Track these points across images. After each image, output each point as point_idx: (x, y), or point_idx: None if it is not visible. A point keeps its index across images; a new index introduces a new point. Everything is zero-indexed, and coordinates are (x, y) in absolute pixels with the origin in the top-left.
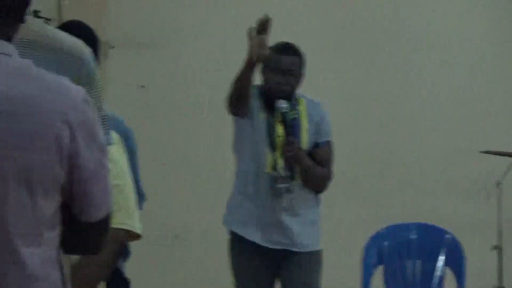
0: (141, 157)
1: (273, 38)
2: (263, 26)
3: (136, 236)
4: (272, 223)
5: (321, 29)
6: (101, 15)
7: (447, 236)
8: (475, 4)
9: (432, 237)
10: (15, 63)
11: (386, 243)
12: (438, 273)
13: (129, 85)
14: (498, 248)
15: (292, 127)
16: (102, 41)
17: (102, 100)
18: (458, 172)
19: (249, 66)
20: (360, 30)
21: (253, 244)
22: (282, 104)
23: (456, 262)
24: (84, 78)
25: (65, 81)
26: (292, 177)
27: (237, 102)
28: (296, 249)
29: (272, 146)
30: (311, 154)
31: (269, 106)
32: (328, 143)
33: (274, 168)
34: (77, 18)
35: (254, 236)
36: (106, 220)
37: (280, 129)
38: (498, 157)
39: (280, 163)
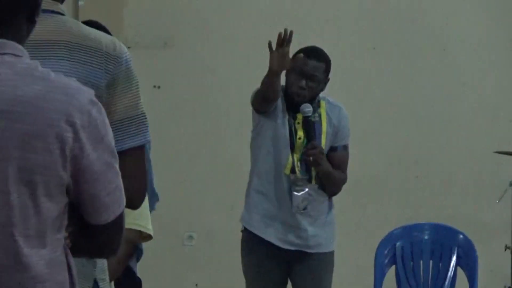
0: (155, 157)
1: (299, 41)
2: (283, 40)
3: (148, 237)
4: (289, 224)
5: (357, 30)
6: (117, 15)
7: (459, 236)
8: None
9: (444, 237)
10: (22, 63)
11: (398, 243)
12: (450, 273)
13: (144, 85)
14: (511, 249)
15: (312, 131)
16: None
17: (140, 98)
18: (471, 172)
19: (271, 76)
20: (395, 32)
21: (268, 243)
22: (306, 108)
23: (469, 263)
24: (122, 77)
25: (73, 82)
26: (309, 180)
27: (264, 102)
28: (310, 250)
29: (292, 148)
30: (327, 157)
31: (291, 107)
32: (345, 147)
33: (293, 170)
34: (93, 18)
35: (271, 236)
36: (117, 223)
37: (300, 132)
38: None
39: (298, 165)
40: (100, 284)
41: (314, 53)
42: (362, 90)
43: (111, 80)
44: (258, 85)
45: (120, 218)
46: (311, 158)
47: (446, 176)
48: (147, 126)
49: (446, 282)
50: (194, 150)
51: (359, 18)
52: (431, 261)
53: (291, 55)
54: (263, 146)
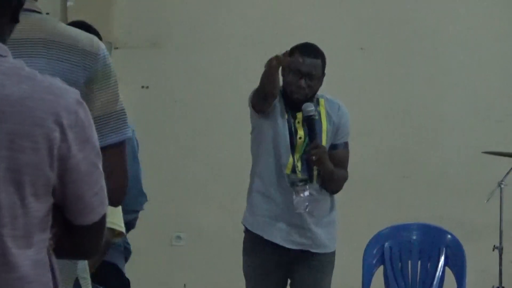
0: (143, 157)
1: (287, 41)
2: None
3: (120, 234)
4: (293, 224)
5: (345, 30)
6: (105, 16)
7: (448, 236)
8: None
9: (433, 237)
10: (8, 63)
11: (387, 243)
12: (438, 273)
13: (132, 85)
14: (499, 249)
15: (315, 130)
16: (106, 42)
17: (119, 94)
18: (460, 172)
19: (270, 70)
20: (383, 32)
21: (271, 244)
22: (309, 107)
23: (457, 263)
24: (100, 74)
25: (58, 82)
26: (310, 180)
27: (263, 99)
28: (314, 250)
29: (292, 147)
30: (328, 155)
31: (290, 107)
32: (346, 145)
33: (293, 170)
34: (81, 19)
35: (275, 236)
36: (100, 223)
37: (301, 131)
38: (500, 157)
39: (299, 165)
40: (82, 282)
41: (310, 50)
42: (351, 90)
43: (89, 77)
44: (246, 85)
45: (104, 219)
46: (314, 157)
47: (435, 176)
48: (126, 122)
49: (435, 282)
50: (182, 151)
51: (348, 18)
52: (419, 261)
53: (283, 50)
54: (263, 147)
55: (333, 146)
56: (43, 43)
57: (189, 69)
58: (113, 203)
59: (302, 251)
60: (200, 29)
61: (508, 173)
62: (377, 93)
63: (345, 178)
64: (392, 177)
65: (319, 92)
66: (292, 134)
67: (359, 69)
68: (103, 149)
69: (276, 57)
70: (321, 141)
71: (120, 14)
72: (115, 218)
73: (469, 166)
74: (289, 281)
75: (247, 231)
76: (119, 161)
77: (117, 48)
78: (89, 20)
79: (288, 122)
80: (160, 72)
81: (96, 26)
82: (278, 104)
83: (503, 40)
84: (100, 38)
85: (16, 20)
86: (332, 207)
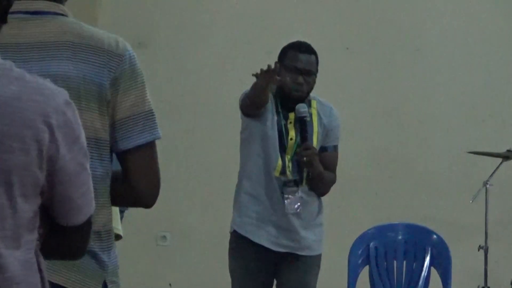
0: None
1: (272, 41)
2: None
3: (118, 236)
4: (281, 226)
5: (331, 30)
6: (91, 15)
7: (433, 236)
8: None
9: (418, 237)
10: None
11: (372, 243)
12: (424, 273)
13: None
14: (485, 249)
15: (307, 131)
16: None
17: (147, 94)
18: (445, 172)
19: (259, 87)
20: (369, 32)
21: (258, 246)
22: (302, 109)
23: (442, 263)
24: (127, 75)
25: (48, 83)
26: (300, 181)
27: (252, 107)
28: (300, 253)
29: (283, 148)
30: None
31: (284, 107)
32: (335, 148)
33: (283, 171)
34: None
35: (262, 239)
36: (87, 224)
37: (292, 132)
38: (485, 157)
39: (290, 166)
40: (110, 286)
41: (304, 47)
42: (335, 90)
43: (114, 79)
44: (233, 85)
45: (90, 220)
46: (305, 159)
47: (420, 176)
48: (155, 123)
49: (420, 282)
50: (168, 150)
51: (333, 18)
52: (404, 261)
53: (269, 50)
54: (252, 148)
55: (323, 149)
56: (69, 46)
57: (175, 69)
58: (146, 204)
59: (288, 253)
60: (186, 29)
61: (493, 173)
62: (363, 93)
63: (333, 181)
64: (377, 177)
65: (313, 94)
66: (283, 134)
67: (345, 69)
68: (133, 150)
69: (267, 72)
70: (312, 143)
71: (105, 13)
72: (114, 221)
73: (455, 166)
74: (275, 282)
75: (234, 232)
76: (150, 161)
77: None
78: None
79: (279, 122)
80: (146, 72)
81: None
82: (269, 104)
83: (487, 40)
84: None
85: (4, 21)
86: (319, 210)
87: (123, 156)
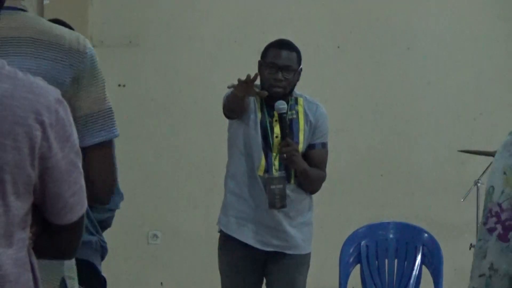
0: (119, 156)
1: (264, 40)
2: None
3: None
4: (267, 225)
5: (322, 29)
6: (82, 14)
7: (424, 235)
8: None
9: (409, 236)
10: None
11: (363, 242)
12: (415, 272)
13: (108, 84)
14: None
15: (289, 128)
16: None
17: (106, 92)
18: (436, 171)
19: (236, 98)
20: (360, 30)
21: (245, 245)
22: (281, 105)
23: (434, 261)
24: (87, 72)
25: (39, 81)
26: (287, 179)
27: (231, 113)
28: (288, 252)
29: (268, 146)
30: (305, 155)
31: (268, 105)
32: (323, 145)
33: (267, 170)
34: (58, 17)
35: (248, 237)
36: (79, 223)
37: (277, 129)
38: (476, 156)
39: (276, 164)
40: (68, 282)
41: (284, 44)
42: (327, 89)
43: (75, 76)
44: (222, 84)
45: (82, 219)
46: (285, 155)
47: (411, 174)
48: (113, 121)
49: (411, 281)
50: (158, 149)
51: (324, 16)
52: (396, 260)
53: (259, 49)
54: (235, 148)
55: (310, 146)
56: (30, 41)
57: (165, 68)
58: (101, 201)
59: (276, 252)
60: (176, 27)
61: (484, 171)
62: (354, 92)
63: (321, 178)
64: (368, 176)
65: (299, 91)
66: (268, 132)
67: (336, 68)
68: (92, 147)
69: (245, 83)
70: (297, 140)
71: (96, 12)
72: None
73: (446, 165)
74: (264, 280)
75: (221, 231)
76: (107, 159)
77: (93, 46)
78: (65, 18)
79: (263, 121)
80: (136, 70)
81: (72, 24)
82: (252, 103)
83: (478, 39)
84: None
85: None
86: (309, 208)
87: (82, 153)
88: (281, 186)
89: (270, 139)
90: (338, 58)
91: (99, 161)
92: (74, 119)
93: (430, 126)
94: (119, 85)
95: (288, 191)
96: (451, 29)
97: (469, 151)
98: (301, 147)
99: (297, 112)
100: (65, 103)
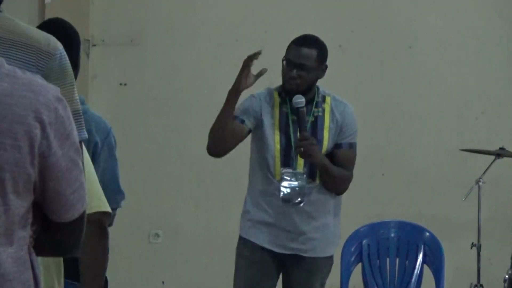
0: (121, 154)
1: (266, 39)
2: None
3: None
4: (283, 228)
5: (323, 28)
6: (83, 13)
7: (426, 234)
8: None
9: (411, 235)
10: None
11: (365, 241)
12: (416, 271)
13: (110, 83)
14: (477, 246)
15: (304, 122)
16: (84, 39)
17: (75, 94)
18: (437, 170)
19: (232, 94)
20: (361, 29)
21: (264, 249)
22: (298, 99)
23: (435, 260)
24: (54, 73)
25: (38, 79)
26: (312, 177)
27: (218, 145)
28: (306, 255)
29: (289, 143)
30: (332, 154)
31: (290, 101)
32: (350, 145)
33: (285, 165)
34: (59, 17)
35: (264, 241)
36: (80, 220)
37: None
38: (478, 155)
39: (300, 160)
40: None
41: (304, 41)
42: (328, 88)
43: (43, 77)
44: (224, 83)
45: (83, 216)
46: (302, 149)
47: (413, 173)
48: (81, 123)
49: (413, 280)
50: (160, 148)
51: (325, 16)
52: (397, 259)
53: (261, 47)
54: (253, 156)
55: (337, 145)
56: None
57: (167, 67)
58: None
59: (293, 255)
60: (177, 26)
61: (486, 170)
62: (355, 91)
63: (346, 178)
64: (370, 175)
65: (328, 91)
66: (290, 130)
67: (337, 67)
68: None
69: (240, 76)
70: (321, 137)
71: (97, 11)
72: (100, 201)
73: (447, 164)
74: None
75: (240, 237)
76: None
77: (94, 45)
78: (66, 18)
79: (281, 119)
80: (138, 69)
81: (73, 23)
82: (267, 112)
83: (478, 38)
84: (77, 35)
85: None
86: (334, 210)
87: None
88: (295, 182)
89: (293, 136)
90: (340, 57)
91: None
92: None
93: (431, 125)
94: (121, 84)
95: (313, 191)
96: (453, 28)
97: (471, 150)
98: (325, 144)
99: (323, 110)
100: (65, 101)
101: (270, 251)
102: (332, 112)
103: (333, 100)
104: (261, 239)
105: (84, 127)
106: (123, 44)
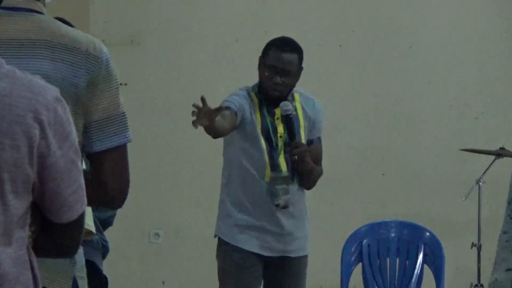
0: None
1: (266, 39)
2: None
3: (90, 233)
4: (271, 231)
5: (324, 28)
6: (83, 12)
7: (426, 234)
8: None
9: (411, 235)
10: None
11: (365, 241)
12: (417, 271)
13: None
14: (478, 246)
15: (294, 128)
16: None
17: (120, 98)
18: (438, 170)
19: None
20: (361, 29)
21: (253, 254)
22: (286, 107)
23: (435, 260)
24: (103, 77)
25: (38, 80)
26: (292, 178)
27: (216, 135)
28: (292, 255)
29: (272, 147)
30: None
31: (268, 103)
32: (319, 139)
33: (274, 168)
34: (59, 16)
35: (253, 246)
36: (79, 222)
37: (280, 128)
38: (478, 155)
39: (283, 164)
40: (79, 282)
41: (286, 46)
42: (329, 87)
43: (91, 80)
44: (224, 83)
45: (82, 217)
46: (295, 157)
47: (413, 173)
48: (127, 126)
49: (413, 280)
50: (160, 148)
51: (325, 15)
52: (397, 259)
53: (261, 47)
54: (234, 154)
55: (309, 142)
56: (47, 44)
57: (167, 67)
58: (115, 205)
59: (280, 257)
60: (178, 26)
61: (486, 170)
62: (355, 90)
63: (320, 174)
64: (370, 175)
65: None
66: (271, 133)
67: (338, 67)
68: (105, 152)
69: (199, 112)
70: (300, 137)
71: (97, 11)
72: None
73: (447, 164)
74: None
75: (219, 238)
76: (121, 163)
77: None
78: (66, 17)
79: (263, 123)
80: (138, 69)
81: (73, 23)
82: (249, 106)
83: (480, 38)
84: None
85: None
86: (305, 207)
87: (95, 157)
88: (285, 186)
89: (274, 139)
90: (340, 57)
91: (113, 165)
92: (88, 123)
93: (431, 125)
94: (121, 84)
95: (293, 191)
96: (453, 28)
97: (471, 150)
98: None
99: (295, 109)
100: (64, 101)
101: (260, 255)
102: (303, 109)
103: (301, 97)
104: (251, 244)
105: (129, 130)
106: (123, 44)
